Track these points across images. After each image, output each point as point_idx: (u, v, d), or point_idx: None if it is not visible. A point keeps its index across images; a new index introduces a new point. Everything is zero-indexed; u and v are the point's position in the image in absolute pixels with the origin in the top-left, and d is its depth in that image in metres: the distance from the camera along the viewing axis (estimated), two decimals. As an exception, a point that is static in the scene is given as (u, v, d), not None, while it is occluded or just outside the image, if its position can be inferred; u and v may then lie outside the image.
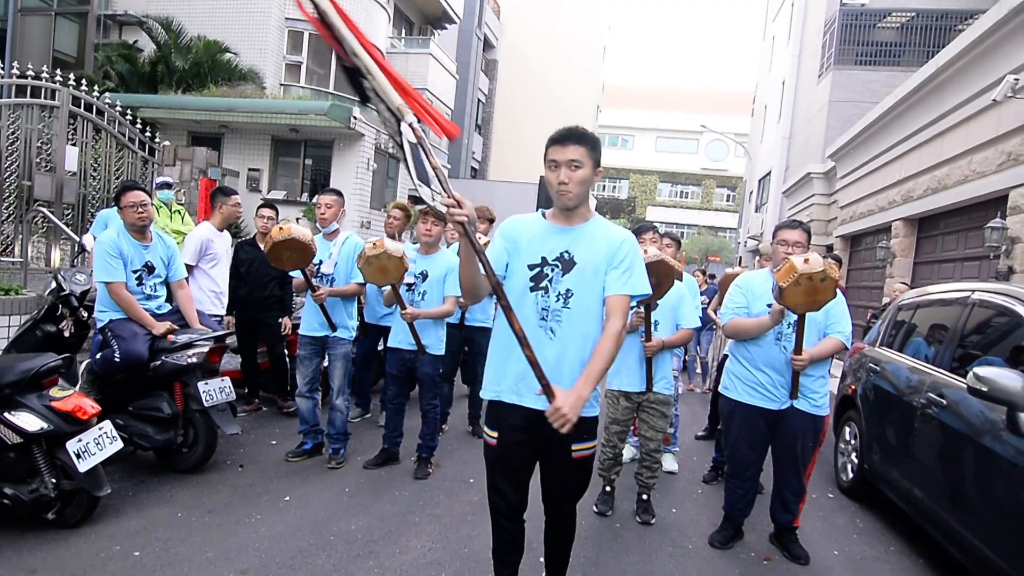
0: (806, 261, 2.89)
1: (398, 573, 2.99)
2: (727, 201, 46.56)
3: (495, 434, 2.35)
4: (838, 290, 3.40)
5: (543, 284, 2.27)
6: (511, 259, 2.33)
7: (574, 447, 2.30)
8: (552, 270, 2.28)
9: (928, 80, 9.58)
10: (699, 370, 9.21)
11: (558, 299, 2.25)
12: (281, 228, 3.73)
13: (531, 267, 2.30)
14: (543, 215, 2.39)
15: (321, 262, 4.29)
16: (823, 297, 2.96)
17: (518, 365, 2.21)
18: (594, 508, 3.92)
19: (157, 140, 9.67)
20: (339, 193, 4.36)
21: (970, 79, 8.57)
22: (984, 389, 2.89)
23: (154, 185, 6.32)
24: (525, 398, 2.25)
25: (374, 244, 3.65)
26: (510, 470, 2.36)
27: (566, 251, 2.27)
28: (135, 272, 3.94)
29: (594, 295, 2.26)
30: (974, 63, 8.43)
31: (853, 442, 4.75)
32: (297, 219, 11.13)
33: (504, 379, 2.30)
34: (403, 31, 18.91)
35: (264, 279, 5.15)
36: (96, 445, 3.12)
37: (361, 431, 5.18)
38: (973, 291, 3.84)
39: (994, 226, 7.48)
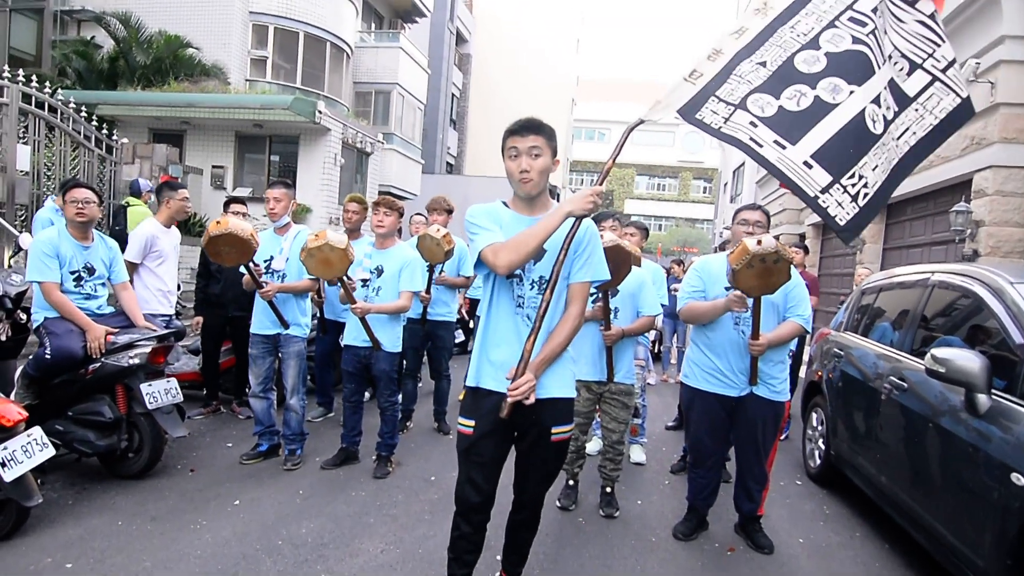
0: (759, 243, 2.81)
1: (346, 577, 2.87)
2: (704, 193, 46.82)
3: (471, 423, 2.31)
4: (798, 274, 3.35)
5: (517, 272, 2.27)
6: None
7: (554, 430, 2.33)
8: None
9: (893, 66, 9.63)
10: (673, 360, 9.18)
11: (532, 287, 2.29)
12: (218, 222, 3.57)
13: None
14: (504, 204, 2.38)
15: (272, 257, 4.14)
16: (777, 279, 2.88)
17: (501, 353, 2.27)
18: (557, 503, 3.83)
19: (115, 137, 9.39)
20: (288, 185, 4.20)
21: (934, 64, 8.60)
22: (942, 371, 2.83)
23: (141, 188, 6.35)
24: (504, 384, 2.25)
25: (316, 235, 3.50)
26: (485, 459, 2.32)
27: None
28: (73, 273, 3.77)
29: (564, 279, 2.29)
30: (937, 48, 8.47)
31: (820, 428, 4.71)
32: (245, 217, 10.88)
33: (487, 366, 2.30)
34: (372, 25, 18.65)
35: (238, 277, 4.97)
36: (24, 453, 2.95)
37: (322, 431, 5.03)
38: (933, 273, 3.80)
39: (959, 210, 7.52)
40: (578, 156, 44.06)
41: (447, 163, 25.80)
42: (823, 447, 4.59)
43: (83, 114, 8.66)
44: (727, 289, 3.23)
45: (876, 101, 2.35)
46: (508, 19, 30.91)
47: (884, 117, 2.38)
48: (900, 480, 3.38)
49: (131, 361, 3.74)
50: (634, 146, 47.20)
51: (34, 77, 7.94)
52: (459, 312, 6.25)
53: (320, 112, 12.32)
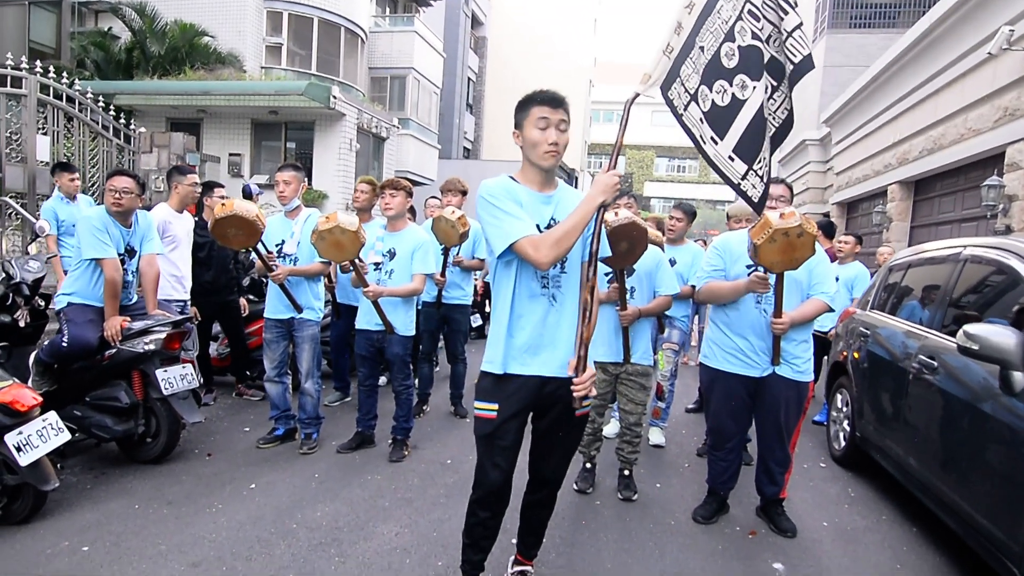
0: (782, 216, 2.71)
1: (360, 561, 2.84)
2: (725, 174, 46.07)
3: (495, 406, 2.26)
4: (824, 250, 3.23)
5: None
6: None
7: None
8: None
9: (921, 37, 9.30)
10: (694, 343, 9.04)
11: (555, 265, 2.21)
12: (223, 204, 3.53)
13: None
14: (512, 179, 2.30)
15: (283, 241, 4.10)
16: (800, 254, 2.77)
17: (526, 336, 2.23)
18: (574, 486, 3.77)
19: (132, 127, 9.43)
20: (298, 168, 4.14)
21: (964, 34, 8.29)
22: (975, 348, 2.71)
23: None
24: (530, 366, 2.24)
25: (327, 218, 3.45)
26: (508, 443, 2.28)
27: (553, 218, 2.26)
28: (119, 256, 3.77)
29: (579, 257, 2.28)
30: (968, 17, 8.16)
31: (845, 410, 4.59)
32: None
33: (511, 350, 2.24)
34: (387, 9, 18.52)
35: (227, 262, 4.97)
36: (39, 437, 2.96)
37: (338, 415, 5.03)
38: (965, 247, 3.64)
39: (991, 184, 7.27)
40: (596, 139, 43.54)
41: (464, 148, 25.68)
42: (848, 429, 4.47)
43: (101, 104, 8.69)
44: (748, 268, 3.12)
45: (767, 89, 2.63)
46: (524, 1, 30.49)
47: (773, 98, 2.70)
48: (930, 462, 3.26)
49: (146, 347, 3.74)
50: (653, 128, 46.58)
51: (51, 68, 7.97)
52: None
53: (335, 97, 12.27)
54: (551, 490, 2.50)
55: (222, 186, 5.11)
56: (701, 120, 2.49)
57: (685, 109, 2.45)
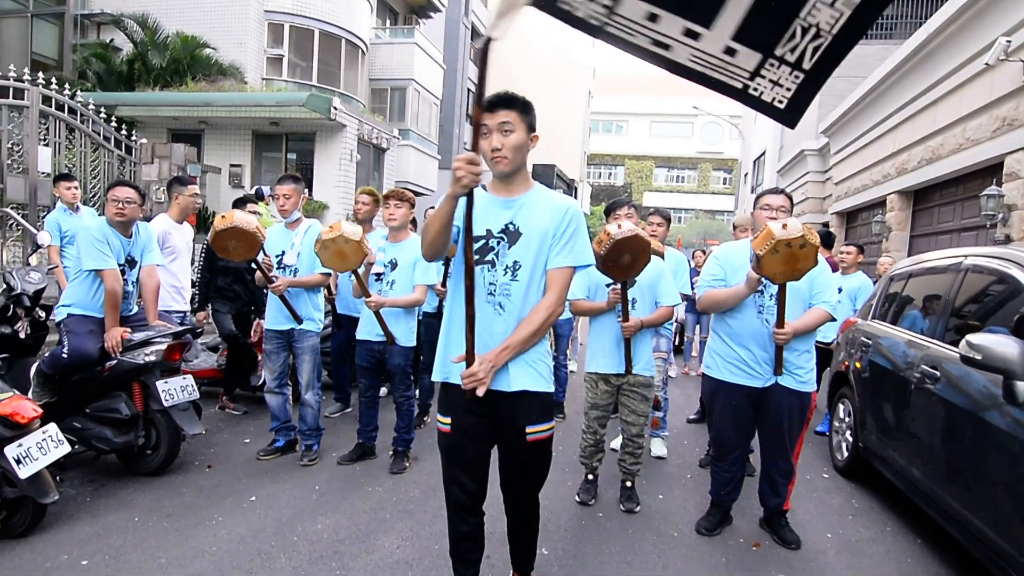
0: (784, 227, 2.71)
1: (362, 574, 2.82)
2: (724, 184, 46.18)
3: (448, 420, 2.21)
4: (825, 259, 3.23)
5: (489, 257, 2.15)
6: (457, 232, 2.15)
7: (528, 429, 2.18)
8: (498, 243, 2.15)
9: (919, 48, 9.34)
10: (695, 353, 9.03)
11: (505, 272, 2.14)
12: (223, 216, 3.53)
13: (475, 239, 2.14)
14: (483, 187, 2.21)
15: (284, 252, 4.10)
16: (803, 265, 2.77)
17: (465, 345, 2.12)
18: (576, 498, 3.75)
19: (134, 138, 9.46)
20: (297, 179, 4.15)
21: (962, 44, 8.33)
22: (978, 357, 2.70)
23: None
24: None
25: (330, 227, 3.45)
26: (466, 456, 2.22)
27: (511, 223, 2.15)
28: (119, 267, 3.77)
29: (542, 265, 2.16)
30: (965, 27, 8.20)
31: (847, 420, 4.57)
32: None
33: (452, 359, 2.17)
34: (387, 21, 18.62)
35: (247, 272, 4.96)
36: (39, 450, 2.94)
37: (339, 426, 5.01)
38: (966, 256, 3.65)
39: (990, 194, 7.27)
40: (595, 149, 43.73)
41: (464, 158, 25.71)
42: (851, 439, 4.45)
43: (102, 116, 8.73)
44: (750, 278, 3.12)
45: None
46: (524, 12, 30.65)
47: None
48: (934, 473, 3.24)
49: (147, 358, 3.73)
50: (652, 138, 46.82)
51: (53, 80, 8.01)
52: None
53: (335, 108, 12.33)
54: (524, 517, 2.40)
55: (255, 201, 5.11)
56: (652, 16, 1.70)
57: (611, 15, 1.71)
